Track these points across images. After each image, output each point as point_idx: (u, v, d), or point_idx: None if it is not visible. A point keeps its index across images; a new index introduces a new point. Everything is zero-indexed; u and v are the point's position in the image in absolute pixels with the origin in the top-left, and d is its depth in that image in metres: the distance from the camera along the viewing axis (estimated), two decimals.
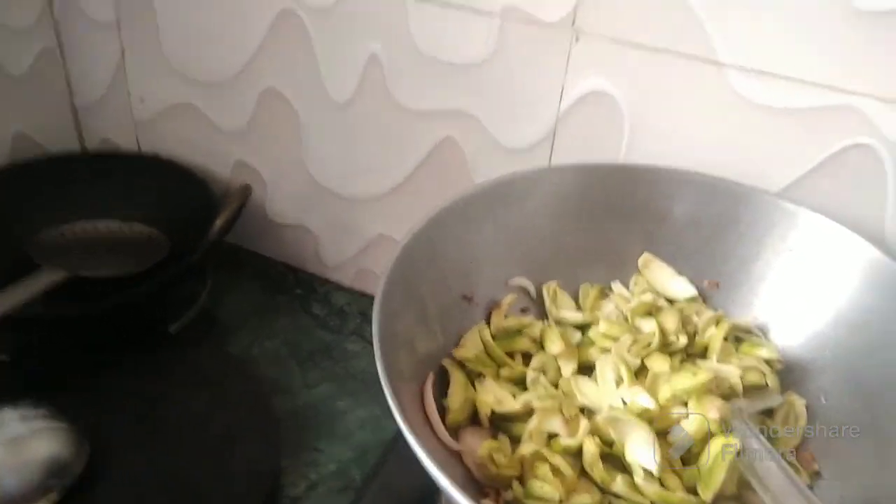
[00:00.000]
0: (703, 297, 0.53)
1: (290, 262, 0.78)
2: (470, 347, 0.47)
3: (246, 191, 0.67)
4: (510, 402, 0.44)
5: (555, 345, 0.47)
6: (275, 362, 0.67)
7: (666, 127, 0.54)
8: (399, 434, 0.59)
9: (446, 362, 0.46)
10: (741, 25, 0.49)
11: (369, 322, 0.70)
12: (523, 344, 0.48)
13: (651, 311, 0.50)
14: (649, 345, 0.46)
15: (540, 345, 0.49)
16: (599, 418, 0.42)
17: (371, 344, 0.68)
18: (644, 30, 0.52)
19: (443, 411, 0.44)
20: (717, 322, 0.49)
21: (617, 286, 0.53)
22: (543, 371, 0.46)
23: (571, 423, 0.43)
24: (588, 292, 0.53)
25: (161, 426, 0.57)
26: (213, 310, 0.71)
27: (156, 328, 0.66)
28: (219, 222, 0.64)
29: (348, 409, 0.63)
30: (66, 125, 0.81)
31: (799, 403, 0.47)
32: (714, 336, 0.48)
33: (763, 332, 0.51)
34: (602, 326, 0.47)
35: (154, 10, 0.70)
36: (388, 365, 0.38)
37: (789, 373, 0.49)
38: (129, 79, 0.76)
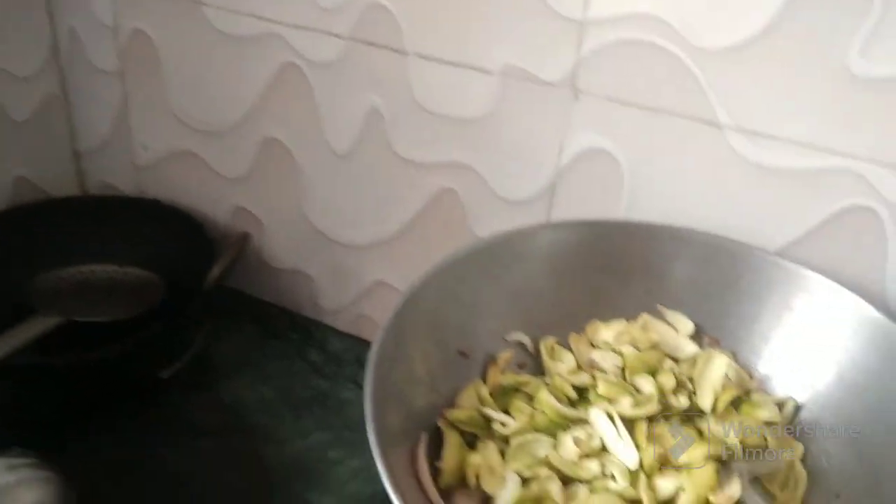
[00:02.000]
0: None
1: (286, 307, 0.78)
2: (465, 408, 0.46)
3: (244, 239, 0.67)
4: (499, 470, 0.43)
5: (546, 409, 0.46)
6: (268, 410, 0.66)
7: (666, 185, 0.55)
8: None
9: (441, 423, 0.46)
10: (740, 88, 0.49)
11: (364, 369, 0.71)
12: (520, 403, 0.47)
13: (652, 370, 0.49)
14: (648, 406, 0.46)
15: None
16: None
17: None
18: (643, 91, 0.52)
19: (436, 473, 0.43)
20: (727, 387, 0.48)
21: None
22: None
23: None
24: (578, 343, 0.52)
25: (150, 475, 0.57)
26: (206, 354, 0.71)
27: (148, 375, 0.65)
28: (216, 270, 0.64)
29: (341, 459, 0.62)
30: (67, 169, 0.81)
31: (799, 467, 0.46)
32: (720, 399, 0.47)
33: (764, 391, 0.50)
34: (601, 387, 0.47)
35: (158, 60, 0.71)
36: (380, 425, 0.38)
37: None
38: (131, 126, 0.76)
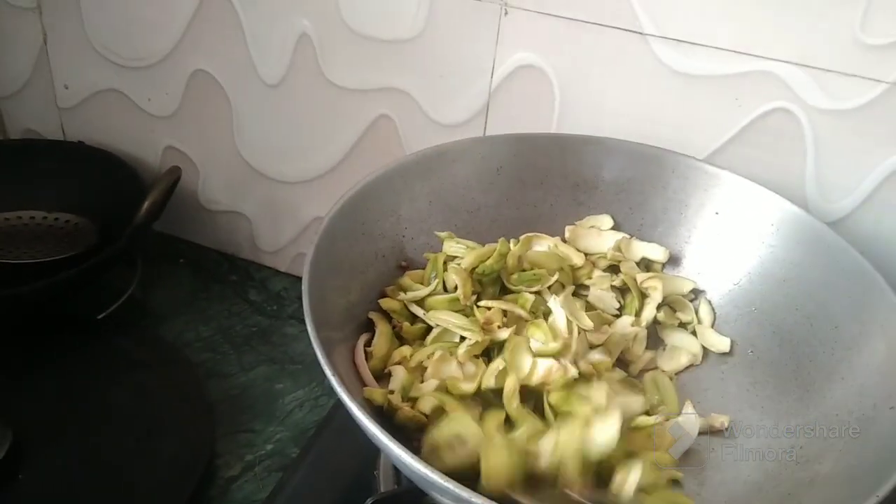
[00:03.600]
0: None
1: (225, 250, 0.77)
2: (394, 299, 0.47)
3: (175, 172, 0.65)
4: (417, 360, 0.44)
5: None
6: (209, 348, 0.65)
7: (595, 98, 0.55)
8: (335, 408, 0.59)
9: (373, 315, 0.46)
10: None
11: None
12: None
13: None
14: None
15: None
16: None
17: None
18: (570, 3, 0.52)
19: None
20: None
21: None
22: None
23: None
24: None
25: (90, 412, 0.56)
26: (144, 299, 0.70)
27: (84, 316, 0.64)
28: (146, 204, 0.62)
29: (286, 390, 0.62)
30: None
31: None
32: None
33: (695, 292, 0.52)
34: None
35: None
36: (319, 324, 0.38)
37: (718, 327, 0.50)
38: (52, 65, 0.73)
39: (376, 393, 0.42)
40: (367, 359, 0.44)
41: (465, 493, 0.30)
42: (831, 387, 0.42)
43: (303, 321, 0.69)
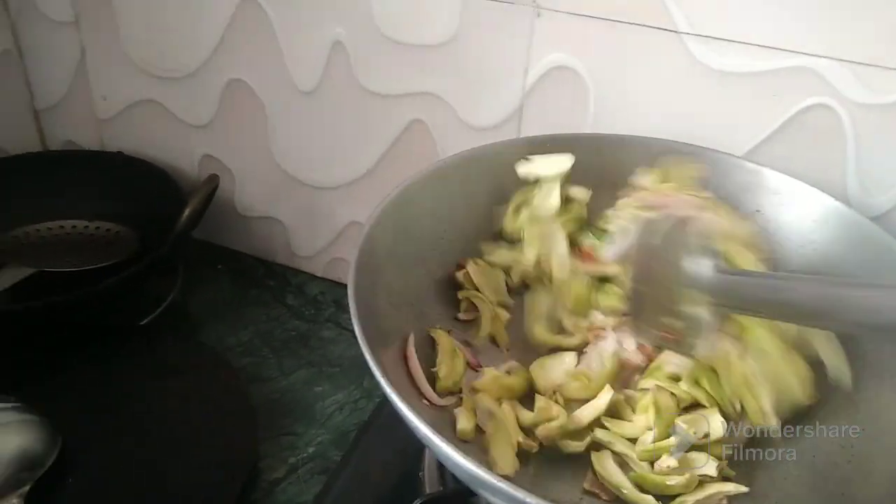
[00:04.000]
0: None
1: (261, 256, 0.78)
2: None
3: (213, 180, 0.66)
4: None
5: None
6: (249, 352, 0.66)
7: (631, 97, 0.55)
8: (376, 411, 0.60)
9: (434, 332, 0.46)
10: None
11: (344, 310, 0.71)
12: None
13: None
14: None
15: None
16: None
17: (347, 330, 0.68)
18: (603, 3, 0.53)
19: (432, 379, 0.45)
20: None
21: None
22: None
23: None
24: None
25: (135, 417, 0.57)
26: (185, 305, 0.71)
27: (127, 322, 0.65)
28: (187, 212, 0.63)
29: (326, 393, 0.63)
30: (26, 128, 0.79)
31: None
32: None
33: None
34: None
35: (113, 6, 0.69)
36: (367, 325, 0.38)
37: None
38: (90, 78, 0.75)
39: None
40: (427, 374, 0.44)
41: (518, 492, 0.30)
42: (880, 384, 0.42)
43: (339, 325, 0.71)
